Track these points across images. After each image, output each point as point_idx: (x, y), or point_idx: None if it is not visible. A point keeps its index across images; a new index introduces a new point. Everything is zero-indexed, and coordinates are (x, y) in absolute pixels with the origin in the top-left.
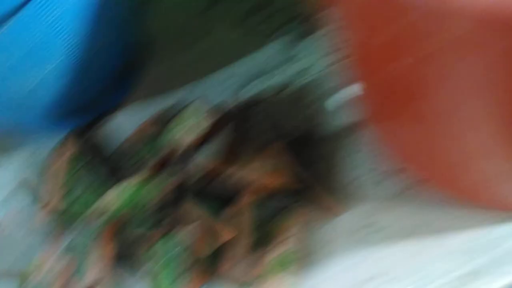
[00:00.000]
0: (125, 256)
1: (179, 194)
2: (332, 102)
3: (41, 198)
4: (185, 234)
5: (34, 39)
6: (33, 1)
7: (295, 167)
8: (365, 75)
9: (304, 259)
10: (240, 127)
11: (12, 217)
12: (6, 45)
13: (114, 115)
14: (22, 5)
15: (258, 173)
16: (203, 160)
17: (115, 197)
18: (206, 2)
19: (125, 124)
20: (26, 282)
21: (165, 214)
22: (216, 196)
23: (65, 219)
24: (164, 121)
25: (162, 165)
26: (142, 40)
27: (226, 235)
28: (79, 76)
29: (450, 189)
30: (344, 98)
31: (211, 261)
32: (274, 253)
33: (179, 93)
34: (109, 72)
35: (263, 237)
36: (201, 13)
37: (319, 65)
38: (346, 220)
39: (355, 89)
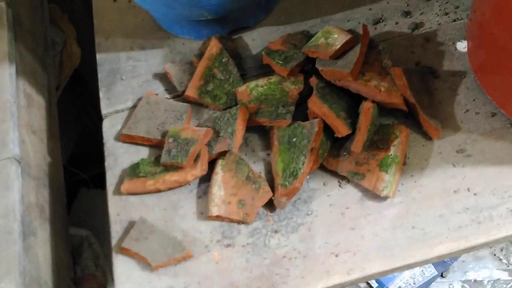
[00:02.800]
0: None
1: (308, 93)
2: (453, 48)
3: (177, 86)
4: (309, 125)
5: None
6: None
7: (406, 91)
8: (477, 35)
9: (402, 166)
10: (364, 51)
11: (151, 96)
12: None
13: (249, 32)
14: None
15: (375, 90)
16: (335, 67)
17: (248, 91)
18: None
19: (257, 41)
20: (176, 136)
21: (292, 108)
22: (339, 99)
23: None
24: (299, 38)
25: (298, 69)
26: None
27: (343, 131)
28: None
29: None
30: (458, 49)
31: (324, 153)
32: (379, 156)
33: (307, 24)
34: None
35: (372, 140)
36: None
37: (435, 21)
38: (442, 144)
39: (467, 45)
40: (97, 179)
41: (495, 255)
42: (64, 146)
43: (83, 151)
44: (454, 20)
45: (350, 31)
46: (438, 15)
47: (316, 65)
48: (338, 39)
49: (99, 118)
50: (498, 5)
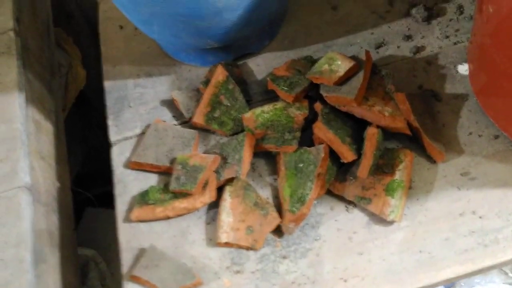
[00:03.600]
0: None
1: (313, 118)
2: (454, 71)
3: (184, 113)
4: (315, 151)
5: None
6: None
7: (410, 116)
8: (478, 58)
9: (407, 190)
10: (368, 76)
11: (159, 123)
12: None
13: (254, 58)
14: None
15: (379, 115)
16: (339, 93)
17: (254, 117)
18: None
19: (262, 66)
20: (184, 163)
21: (298, 134)
22: (344, 124)
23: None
24: (303, 64)
25: (303, 94)
26: None
27: (349, 156)
28: (251, 10)
29: None
30: (460, 72)
31: (331, 178)
32: (385, 180)
33: (310, 48)
34: (267, 14)
35: (378, 165)
36: None
37: (436, 45)
38: (446, 167)
39: (468, 68)
40: (102, 198)
41: (501, 269)
42: (70, 167)
43: (89, 170)
44: (455, 43)
45: (353, 57)
46: (439, 39)
47: (321, 91)
48: (342, 65)
49: (104, 137)
50: (498, 30)
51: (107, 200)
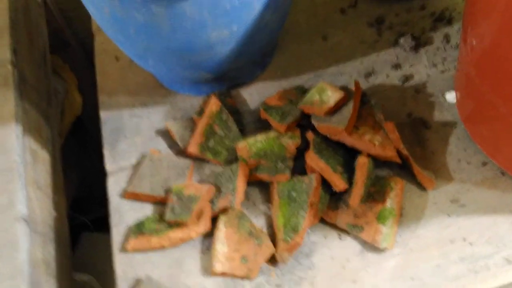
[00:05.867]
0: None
1: (306, 146)
2: (442, 99)
3: (179, 143)
4: (307, 180)
5: (239, 0)
6: None
7: (399, 145)
8: (464, 87)
9: (398, 218)
10: (357, 106)
11: (154, 153)
12: (218, 1)
13: (247, 88)
14: None
15: (370, 144)
16: (330, 123)
17: (247, 146)
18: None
19: (254, 95)
20: (179, 193)
21: (291, 163)
22: (335, 153)
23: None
24: (294, 93)
25: (295, 124)
26: (282, 28)
27: (340, 185)
28: (243, 43)
29: None
30: (448, 100)
31: (324, 206)
32: (376, 208)
33: (301, 78)
34: (259, 47)
35: (369, 193)
36: (324, 21)
37: (424, 73)
38: (437, 194)
39: (456, 96)
40: (99, 222)
41: None
42: (66, 193)
43: (85, 194)
44: (443, 72)
45: (342, 87)
46: (427, 67)
47: (312, 121)
48: (332, 96)
49: (100, 162)
50: (481, 62)
51: (104, 224)
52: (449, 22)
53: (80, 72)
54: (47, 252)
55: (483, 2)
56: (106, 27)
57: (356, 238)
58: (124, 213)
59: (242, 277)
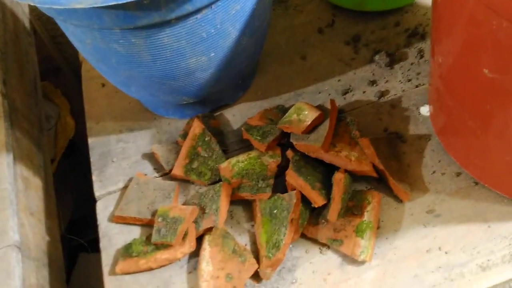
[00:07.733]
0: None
1: (286, 164)
2: (417, 112)
3: (164, 166)
4: (288, 197)
5: (215, 28)
6: None
7: (375, 159)
8: (436, 100)
9: (376, 230)
10: (333, 124)
11: (140, 177)
12: (194, 31)
13: (229, 109)
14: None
15: (346, 160)
16: (307, 142)
17: (230, 167)
18: (308, 32)
19: (237, 116)
20: (165, 215)
21: (272, 181)
22: (314, 170)
23: (183, 181)
24: (275, 113)
25: (276, 142)
26: (261, 50)
27: (319, 201)
28: (222, 68)
29: (498, 189)
30: (422, 113)
31: (304, 222)
32: (354, 221)
33: (282, 98)
34: (238, 71)
35: (348, 206)
36: (303, 41)
37: (399, 88)
38: (412, 205)
39: (429, 109)
40: (95, 243)
41: None
42: (62, 215)
43: (80, 216)
44: (417, 86)
45: (319, 106)
46: (401, 82)
47: (291, 140)
48: (309, 115)
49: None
50: (447, 78)
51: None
52: (423, 37)
53: (72, 96)
54: (41, 276)
55: (446, 21)
56: (90, 58)
57: (336, 251)
58: (112, 237)
59: None
